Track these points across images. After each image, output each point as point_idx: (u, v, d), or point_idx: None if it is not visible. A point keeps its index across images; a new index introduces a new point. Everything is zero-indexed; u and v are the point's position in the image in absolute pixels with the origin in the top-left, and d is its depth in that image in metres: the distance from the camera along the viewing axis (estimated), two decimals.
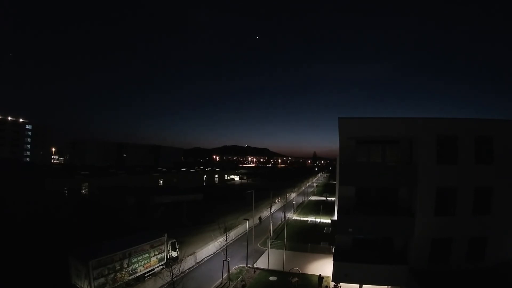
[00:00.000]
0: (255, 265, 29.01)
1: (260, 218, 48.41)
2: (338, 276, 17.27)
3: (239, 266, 29.09)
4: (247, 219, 33.67)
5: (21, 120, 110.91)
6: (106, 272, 21.35)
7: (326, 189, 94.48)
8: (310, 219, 51.77)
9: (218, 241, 30.00)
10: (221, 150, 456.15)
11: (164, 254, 26.92)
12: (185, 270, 26.04)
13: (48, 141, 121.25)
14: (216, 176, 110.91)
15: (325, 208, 55.35)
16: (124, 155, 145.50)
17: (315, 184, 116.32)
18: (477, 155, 16.41)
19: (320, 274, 24.47)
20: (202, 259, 30.45)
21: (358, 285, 18.07)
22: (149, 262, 25.22)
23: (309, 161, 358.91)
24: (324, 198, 73.32)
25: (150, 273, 25.45)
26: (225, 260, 25.30)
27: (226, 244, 26.71)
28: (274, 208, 51.30)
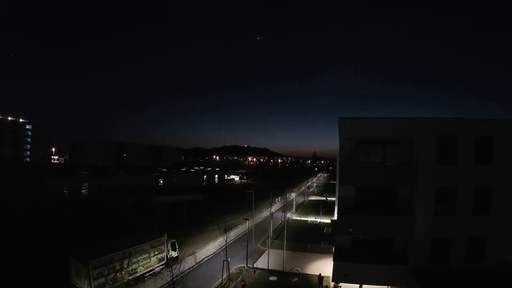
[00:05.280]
0: (255, 265, 29.01)
1: None
2: (338, 276, 17.28)
3: (239, 266, 29.09)
4: (247, 219, 33.67)
5: (21, 120, 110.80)
6: (106, 272, 21.35)
7: (326, 189, 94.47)
8: (310, 219, 51.77)
9: (218, 241, 30.01)
10: (221, 150, 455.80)
11: (164, 254, 26.91)
12: (185, 270, 26.06)
13: (48, 141, 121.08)
14: (216, 176, 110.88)
15: (325, 208, 55.34)
16: (124, 155, 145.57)
17: (315, 184, 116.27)
18: (477, 155, 16.42)
19: (320, 274, 24.47)
20: (202, 259, 30.46)
21: (358, 285, 18.09)
22: (149, 262, 25.22)
23: (309, 161, 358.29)
24: (324, 198, 73.32)
25: (150, 273, 25.44)
26: (225, 260, 25.30)
27: (226, 244, 26.71)
28: (274, 208, 51.28)
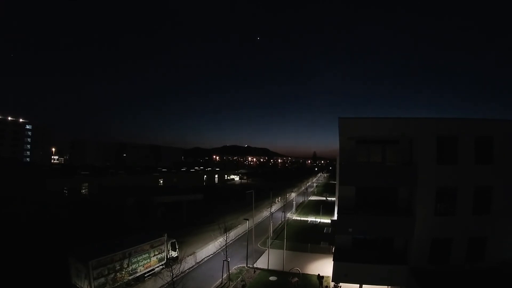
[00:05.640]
0: (255, 265, 29.00)
1: None
2: (338, 276, 17.28)
3: (239, 266, 29.09)
4: (247, 219, 33.68)
5: (21, 120, 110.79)
6: (106, 272, 21.34)
7: (326, 189, 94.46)
8: (310, 219, 51.77)
9: (218, 241, 30.01)
10: (221, 150, 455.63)
11: (164, 254, 26.91)
12: (185, 270, 26.05)
13: (48, 141, 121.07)
14: (216, 176, 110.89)
15: (325, 208, 55.34)
16: (124, 155, 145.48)
17: (315, 184, 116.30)
18: (477, 155, 16.40)
19: (319, 274, 24.36)
20: (202, 259, 30.46)
21: (358, 285, 18.09)
22: (149, 262, 25.22)
23: (309, 161, 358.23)
24: (324, 198, 73.32)
25: (150, 273, 25.43)
26: (225, 260, 25.30)
27: (226, 244, 26.71)
28: (274, 208, 51.29)
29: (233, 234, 37.43)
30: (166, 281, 21.96)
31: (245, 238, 31.99)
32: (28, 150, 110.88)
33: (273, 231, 41.17)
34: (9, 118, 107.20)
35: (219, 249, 28.96)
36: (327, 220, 46.66)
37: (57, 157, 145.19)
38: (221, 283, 25.04)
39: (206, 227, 41.34)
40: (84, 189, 61.49)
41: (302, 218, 52.79)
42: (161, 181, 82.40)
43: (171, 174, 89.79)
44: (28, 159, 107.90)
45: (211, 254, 31.80)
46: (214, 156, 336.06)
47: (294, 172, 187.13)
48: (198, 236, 38.06)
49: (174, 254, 28.31)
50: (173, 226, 39.40)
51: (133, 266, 23.65)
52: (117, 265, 22.26)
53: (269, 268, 28.36)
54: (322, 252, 32.19)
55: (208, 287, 24.72)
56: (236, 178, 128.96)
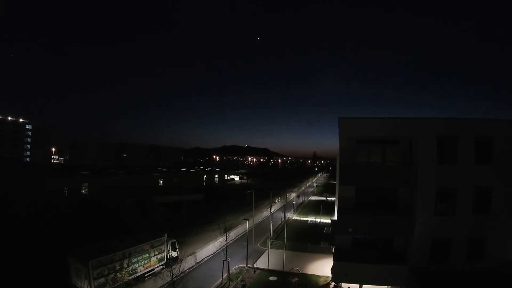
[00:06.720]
0: (255, 265, 29.00)
1: None
2: (338, 276, 17.30)
3: (239, 266, 29.09)
4: (247, 219, 33.68)
5: (21, 120, 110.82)
6: (106, 272, 21.34)
7: (326, 189, 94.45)
8: (310, 219, 51.78)
9: (218, 241, 30.00)
10: (221, 150, 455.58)
11: (164, 254, 26.91)
12: (185, 270, 26.05)
13: (48, 141, 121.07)
14: (216, 176, 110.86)
15: (325, 208, 55.32)
16: (124, 155, 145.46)
17: (315, 184, 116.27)
18: (477, 155, 16.43)
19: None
20: (202, 259, 30.46)
21: (358, 285, 18.09)
22: (149, 262, 25.21)
23: (309, 161, 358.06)
24: (324, 198, 73.31)
25: (150, 273, 25.43)
26: (225, 260, 25.30)
27: (226, 244, 26.71)
28: (274, 208, 51.28)
29: (233, 234, 37.43)
30: (166, 281, 21.95)
31: (245, 238, 31.99)
32: (28, 150, 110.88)
33: (273, 231, 41.17)
34: (9, 118, 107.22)
35: (219, 249, 28.96)
36: (327, 220, 46.63)
37: (57, 157, 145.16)
38: (221, 283, 25.04)
39: (206, 227, 41.33)
40: (84, 189, 61.50)
41: (302, 218, 52.79)
42: (161, 181, 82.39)
43: (171, 174, 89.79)
44: (28, 159, 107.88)
45: (211, 254, 31.80)
46: (214, 156, 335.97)
47: (294, 172, 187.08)
48: (198, 236, 38.07)
49: (174, 254, 28.30)
50: (173, 226, 39.37)
51: (133, 266, 23.65)
52: (117, 265, 22.25)
53: (269, 268, 28.35)
54: (322, 252, 32.17)
55: (208, 287, 24.73)
56: (236, 178, 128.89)
